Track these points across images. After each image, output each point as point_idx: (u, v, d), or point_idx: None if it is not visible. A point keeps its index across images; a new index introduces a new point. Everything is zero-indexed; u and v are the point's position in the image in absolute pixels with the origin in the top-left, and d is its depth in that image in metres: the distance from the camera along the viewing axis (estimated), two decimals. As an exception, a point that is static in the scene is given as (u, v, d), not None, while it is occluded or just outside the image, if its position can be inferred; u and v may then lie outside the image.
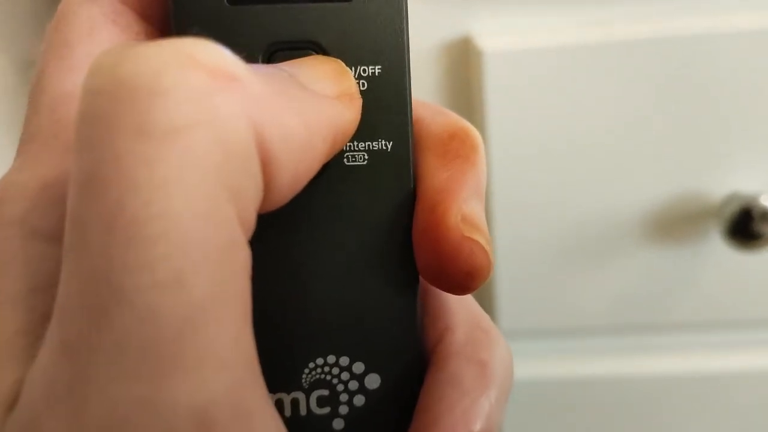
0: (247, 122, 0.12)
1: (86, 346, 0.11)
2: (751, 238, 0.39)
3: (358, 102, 0.16)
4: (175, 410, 0.11)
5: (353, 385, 0.18)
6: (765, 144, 0.40)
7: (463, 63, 0.41)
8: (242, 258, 0.12)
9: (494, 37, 0.39)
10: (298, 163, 0.13)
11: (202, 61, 0.12)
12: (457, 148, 0.17)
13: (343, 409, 0.18)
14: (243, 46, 0.16)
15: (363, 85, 0.17)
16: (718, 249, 0.41)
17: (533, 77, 0.39)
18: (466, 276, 0.16)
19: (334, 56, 0.17)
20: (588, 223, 0.42)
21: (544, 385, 0.45)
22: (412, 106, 0.18)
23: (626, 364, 0.44)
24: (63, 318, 0.12)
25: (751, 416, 0.44)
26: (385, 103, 0.17)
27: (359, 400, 0.18)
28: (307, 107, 0.14)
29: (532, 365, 0.45)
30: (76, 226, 0.12)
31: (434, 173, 0.17)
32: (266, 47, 0.17)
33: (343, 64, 0.16)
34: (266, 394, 0.13)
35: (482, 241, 0.16)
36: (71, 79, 0.16)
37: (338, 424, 0.18)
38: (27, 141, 0.16)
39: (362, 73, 0.17)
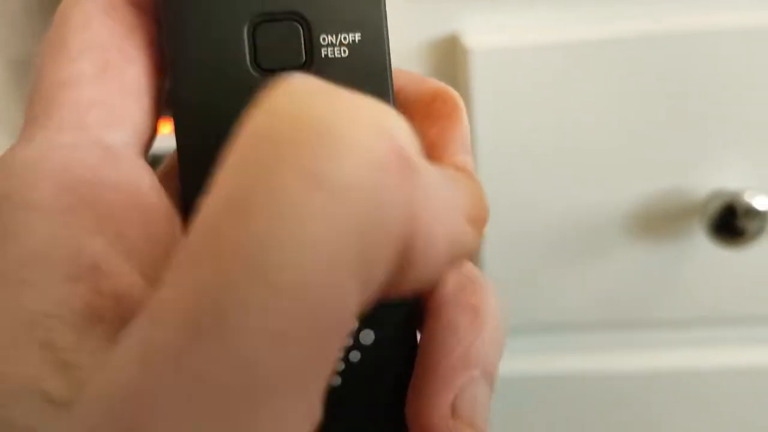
0: (405, 214, 0.12)
1: (170, 353, 0.10)
2: (735, 235, 0.40)
3: (482, 233, 0.15)
4: None
5: (347, 340, 0.18)
6: (749, 141, 0.40)
7: (450, 61, 0.41)
8: (344, 340, 0.12)
9: (481, 35, 0.39)
10: (423, 275, 0.13)
11: (390, 133, 0.12)
12: (440, 108, 0.18)
13: (339, 365, 0.18)
14: (230, 16, 0.17)
15: (344, 52, 0.17)
16: (703, 246, 0.42)
17: (520, 75, 0.39)
18: None
19: (315, 24, 0.17)
20: (573, 220, 0.42)
21: (529, 381, 0.45)
22: (393, 74, 0.18)
23: (611, 360, 0.45)
24: (153, 318, 0.11)
25: (736, 412, 0.44)
26: (366, 70, 0.17)
27: (354, 356, 0.18)
28: (449, 217, 0.13)
29: (517, 361, 0.45)
30: (203, 239, 0.11)
31: (422, 133, 0.17)
32: (251, 18, 0.17)
33: (482, 189, 0.16)
34: None
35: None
36: (67, 70, 0.17)
37: (335, 380, 0.18)
38: (24, 126, 0.17)
39: (343, 40, 0.17)
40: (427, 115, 0.18)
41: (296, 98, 0.12)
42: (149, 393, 0.10)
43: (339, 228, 0.11)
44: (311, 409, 0.11)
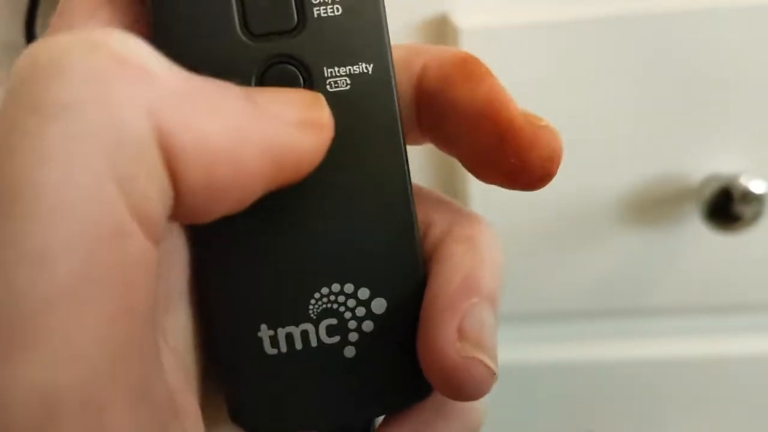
0: (147, 112, 0.12)
1: None
2: (731, 220, 0.39)
3: (325, 134, 0.16)
4: (16, 391, 0.10)
5: (360, 311, 0.18)
6: (744, 124, 0.39)
7: (440, 40, 0.40)
8: (130, 248, 0.12)
9: (471, 15, 0.39)
10: (216, 172, 0.13)
11: (112, 48, 0.12)
12: (477, 69, 0.18)
13: (353, 336, 0.18)
14: None
15: (337, 10, 0.17)
16: (698, 231, 0.41)
17: (510, 55, 0.39)
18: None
19: None
20: (565, 205, 0.41)
21: (524, 370, 0.44)
22: (409, 48, 0.18)
23: (606, 348, 0.44)
24: None
25: (733, 400, 0.44)
26: (362, 26, 0.17)
27: (368, 326, 0.18)
28: (240, 120, 0.14)
29: (511, 350, 0.45)
30: None
31: (471, 93, 0.17)
32: None
33: (320, 97, 0.16)
34: (135, 392, 0.12)
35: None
36: None
37: (349, 351, 0.18)
38: None
39: None
40: (468, 77, 0.18)
41: (29, 50, 0.12)
42: None
43: (69, 141, 0.11)
44: (110, 327, 0.11)
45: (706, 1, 0.38)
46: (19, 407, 0.10)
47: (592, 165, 0.41)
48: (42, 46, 0.12)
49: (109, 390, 0.11)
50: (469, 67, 0.18)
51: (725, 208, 0.39)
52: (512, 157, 0.17)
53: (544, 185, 0.18)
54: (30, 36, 0.48)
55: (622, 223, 0.41)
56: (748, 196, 0.38)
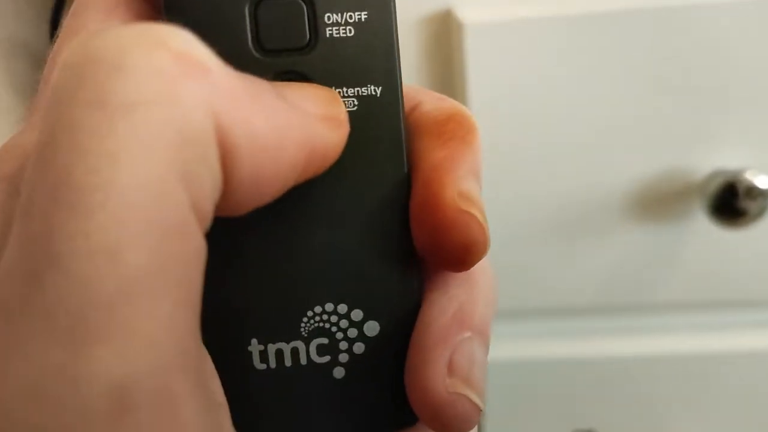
0: (207, 109, 0.12)
1: (18, 309, 0.11)
2: (736, 215, 0.39)
3: (344, 130, 0.16)
4: (92, 382, 0.11)
5: (352, 332, 0.17)
6: (749, 119, 0.39)
7: (444, 35, 0.40)
8: (191, 244, 0.12)
9: (475, 10, 0.39)
10: (262, 167, 0.13)
11: (171, 46, 0.12)
12: (454, 129, 0.18)
13: (344, 357, 0.17)
14: None
15: (349, 32, 0.17)
16: (703, 226, 0.41)
17: (514, 50, 0.39)
18: (463, 249, 0.16)
19: (320, 2, 0.17)
20: (570, 200, 0.41)
21: (528, 365, 0.44)
22: (411, 90, 0.18)
23: (610, 344, 0.44)
24: (3, 277, 0.12)
25: (738, 396, 0.44)
26: (373, 50, 0.17)
27: (359, 348, 0.18)
28: (281, 116, 0.14)
29: (515, 346, 0.45)
30: (27, 190, 0.12)
31: (431, 152, 0.17)
32: None
33: (336, 94, 0.16)
34: (199, 383, 0.13)
35: (478, 215, 0.16)
36: None
37: (339, 372, 0.18)
38: (33, 111, 0.17)
39: (348, 19, 0.17)
40: (439, 135, 0.18)
41: (81, 45, 0.12)
42: (6, 342, 0.11)
43: (137, 139, 0.11)
44: (174, 318, 0.12)
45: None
46: (96, 398, 0.11)
47: (597, 160, 0.40)
48: (99, 41, 0.12)
49: (177, 378, 0.12)
50: (447, 126, 0.18)
51: (730, 203, 0.39)
52: (428, 232, 0.17)
53: (463, 269, 0.17)
54: (55, 35, 0.49)
55: (627, 218, 0.41)
56: (753, 192, 0.38)
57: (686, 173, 0.40)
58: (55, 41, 0.18)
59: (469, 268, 0.17)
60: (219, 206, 0.13)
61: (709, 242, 0.41)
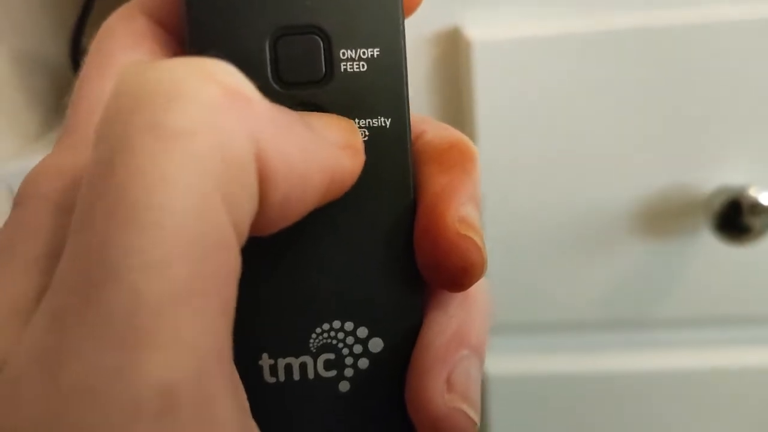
0: (249, 137, 0.13)
1: (73, 315, 0.12)
2: (740, 231, 0.39)
3: (361, 158, 0.17)
4: (141, 383, 0.12)
5: (357, 348, 0.18)
6: (753, 135, 0.40)
7: (453, 53, 0.41)
8: (230, 259, 0.13)
9: (483, 28, 0.39)
10: (293, 189, 0.15)
11: (219, 79, 0.14)
12: (455, 158, 0.19)
13: (349, 372, 0.18)
14: (252, 31, 0.17)
15: (362, 67, 0.18)
16: (708, 243, 0.41)
17: (522, 68, 0.39)
18: (461, 271, 0.17)
19: (336, 39, 0.18)
20: (575, 216, 0.42)
21: (532, 380, 0.45)
22: (417, 119, 0.19)
23: (615, 359, 0.44)
24: (58, 288, 0.13)
25: (741, 412, 0.44)
26: (384, 84, 0.18)
27: (363, 363, 0.18)
28: (309, 144, 0.15)
29: (520, 360, 0.45)
30: (83, 206, 0.13)
31: (434, 179, 0.18)
32: (273, 31, 0.18)
33: (354, 124, 0.18)
34: (234, 384, 0.14)
35: (477, 240, 0.17)
36: (109, 85, 0.18)
37: (344, 386, 0.18)
38: (65, 134, 0.18)
39: (362, 55, 0.18)
40: (440, 162, 0.19)
41: (134, 75, 0.13)
42: (61, 346, 0.12)
43: (188, 162, 0.13)
44: (215, 326, 0.13)
45: (716, 14, 0.38)
46: (146, 398, 0.12)
47: (602, 176, 0.41)
48: (154, 72, 0.13)
49: (217, 383, 0.13)
50: (449, 154, 0.19)
51: (734, 219, 0.39)
52: (430, 254, 0.18)
53: (461, 290, 0.18)
54: (75, 54, 0.50)
55: (632, 234, 0.42)
56: (757, 208, 0.39)
57: (691, 190, 0.41)
58: (78, 62, 0.19)
59: (467, 289, 0.18)
60: (252, 226, 0.14)
61: (713, 258, 0.42)
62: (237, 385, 0.14)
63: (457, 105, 0.41)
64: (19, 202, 0.16)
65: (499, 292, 0.44)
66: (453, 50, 0.41)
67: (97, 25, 0.19)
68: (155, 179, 0.12)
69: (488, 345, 0.19)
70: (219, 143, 0.13)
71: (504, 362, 0.45)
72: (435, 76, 0.41)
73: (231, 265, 0.13)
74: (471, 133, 0.40)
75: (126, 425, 0.11)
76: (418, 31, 0.40)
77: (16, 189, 0.17)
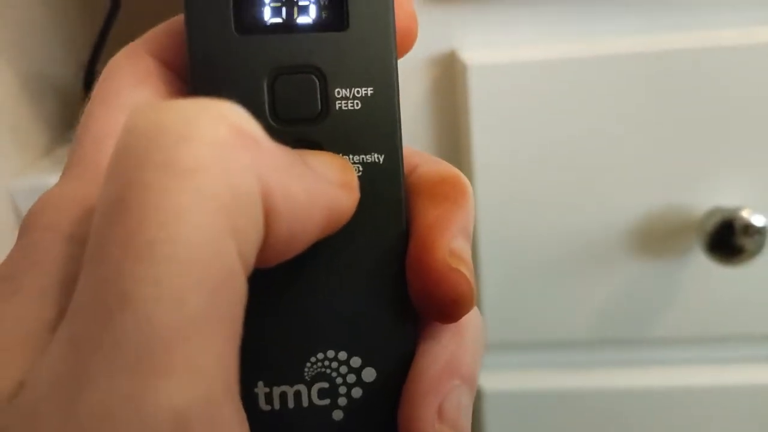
0: (257, 176, 0.14)
1: (89, 343, 0.13)
2: (733, 252, 0.40)
3: (357, 195, 0.18)
4: (156, 409, 0.12)
5: (351, 378, 0.19)
6: (747, 157, 0.40)
7: (449, 76, 0.41)
8: (238, 290, 0.14)
9: (478, 52, 0.40)
10: (295, 224, 0.15)
11: (229, 119, 0.14)
12: (447, 191, 0.19)
13: (342, 401, 0.19)
14: (251, 70, 0.18)
15: (357, 105, 0.18)
16: (701, 263, 0.41)
17: (518, 91, 0.40)
18: (451, 303, 0.18)
19: (331, 78, 0.18)
20: (570, 236, 0.42)
21: (527, 396, 0.45)
22: (411, 153, 0.20)
23: (608, 377, 0.45)
24: (74, 316, 0.13)
25: (733, 430, 0.44)
26: (377, 121, 0.19)
27: (357, 393, 0.19)
28: (310, 182, 0.16)
29: (515, 377, 0.45)
30: (98, 239, 0.13)
31: (425, 212, 0.19)
32: (271, 71, 0.18)
33: (348, 162, 0.18)
34: (240, 410, 0.14)
35: (467, 273, 0.18)
36: (116, 120, 0.18)
37: (337, 415, 0.19)
38: (70, 166, 0.19)
39: (356, 94, 0.19)
40: (432, 196, 0.19)
41: (147, 114, 0.14)
42: (77, 373, 0.12)
43: (199, 199, 0.13)
44: (223, 353, 0.13)
45: (711, 39, 0.39)
46: (160, 424, 0.12)
47: (597, 197, 0.41)
48: (167, 112, 0.14)
49: (226, 409, 0.13)
50: (441, 187, 0.19)
51: (727, 240, 0.40)
52: (422, 286, 0.18)
53: (451, 321, 0.19)
54: (89, 81, 0.51)
55: (626, 254, 0.42)
56: (750, 229, 0.39)
57: (684, 211, 0.41)
58: (91, 89, 0.19)
59: (457, 320, 0.18)
60: (256, 258, 0.15)
61: (706, 278, 0.42)
62: (243, 412, 0.15)
63: (453, 128, 0.42)
64: (25, 231, 0.17)
65: (495, 310, 0.44)
66: (449, 73, 0.41)
67: (112, 53, 0.20)
68: (169, 214, 0.13)
69: (479, 374, 0.19)
70: (229, 181, 0.14)
71: (499, 379, 0.45)
72: (431, 99, 0.42)
73: (239, 295, 0.14)
74: (467, 156, 0.41)
75: None
76: (415, 55, 0.41)
77: (21, 205, 0.17)
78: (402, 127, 0.19)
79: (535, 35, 0.40)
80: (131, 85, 0.19)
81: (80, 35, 0.55)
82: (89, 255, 0.13)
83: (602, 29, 0.40)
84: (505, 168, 0.41)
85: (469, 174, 0.41)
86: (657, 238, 0.42)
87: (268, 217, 0.14)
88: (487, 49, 0.40)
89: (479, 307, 0.43)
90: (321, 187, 0.16)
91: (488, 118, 0.40)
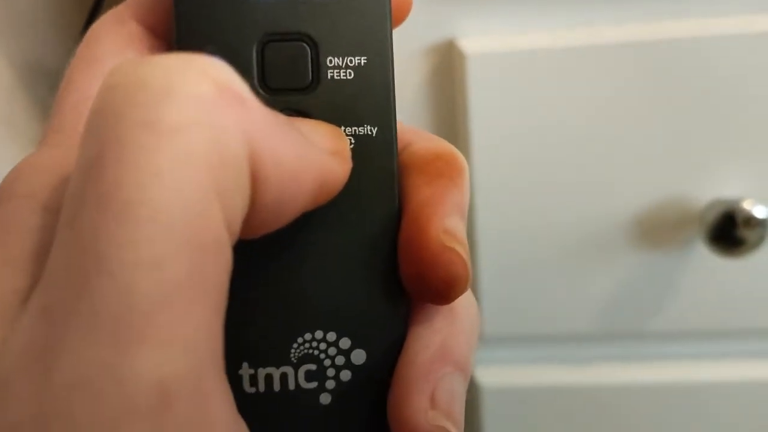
0: (243, 136, 0.13)
1: (64, 311, 0.12)
2: (734, 244, 0.39)
3: (349, 164, 0.17)
4: (136, 379, 0.12)
5: (340, 360, 0.18)
6: (747, 148, 0.40)
7: (447, 65, 0.41)
8: (222, 256, 0.13)
9: (477, 40, 0.40)
10: (284, 191, 0.14)
11: (213, 76, 0.13)
12: (442, 168, 0.18)
13: (330, 384, 0.18)
14: (239, 35, 0.17)
15: (349, 75, 0.18)
16: (702, 256, 0.41)
17: (516, 80, 0.40)
18: (445, 284, 0.17)
19: (323, 46, 0.18)
20: (570, 229, 0.42)
21: (526, 391, 0.45)
22: (405, 129, 0.19)
23: (609, 371, 0.44)
24: (47, 283, 0.13)
25: (736, 425, 0.44)
26: (370, 92, 0.18)
27: (345, 375, 0.18)
28: (301, 147, 0.15)
29: (514, 372, 0.45)
30: (73, 201, 0.13)
31: (419, 189, 0.18)
32: (261, 37, 0.18)
33: (341, 130, 0.18)
34: (225, 383, 0.13)
35: (461, 252, 0.17)
36: (96, 85, 0.18)
37: (325, 398, 0.18)
38: (49, 133, 0.18)
39: (349, 63, 0.18)
40: (426, 172, 0.18)
41: (128, 69, 0.13)
42: (51, 342, 0.12)
43: (182, 158, 0.12)
44: (207, 322, 0.13)
45: (711, 27, 0.38)
46: (139, 395, 0.12)
47: (598, 189, 0.41)
48: (147, 67, 0.13)
49: (211, 379, 0.13)
50: (436, 164, 0.19)
51: (729, 232, 0.39)
52: (414, 266, 0.17)
53: (445, 303, 0.18)
54: None
55: (626, 246, 0.42)
56: (752, 221, 0.39)
57: (685, 202, 0.41)
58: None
59: (451, 302, 0.18)
60: (242, 227, 0.14)
61: (708, 271, 0.41)
62: (228, 386, 0.14)
63: (451, 117, 0.42)
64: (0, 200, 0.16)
65: (495, 304, 0.44)
66: (447, 62, 0.41)
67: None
68: (149, 174, 0.12)
69: (474, 360, 0.18)
70: (213, 140, 0.13)
71: (498, 373, 0.45)
72: (429, 88, 0.42)
73: (224, 263, 0.13)
74: (465, 144, 0.41)
75: (120, 421, 0.11)
76: (413, 44, 0.41)
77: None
78: (398, 107, 0.18)
79: (534, 24, 0.40)
80: (114, 50, 0.18)
81: (74, 24, 0.54)
82: (65, 218, 0.13)
83: (602, 18, 0.39)
84: (503, 157, 0.41)
85: (467, 162, 0.41)
86: (657, 229, 0.41)
87: (255, 181, 0.14)
88: (485, 37, 0.40)
89: (477, 301, 0.43)
90: (312, 153, 0.15)
91: (486, 106, 0.40)
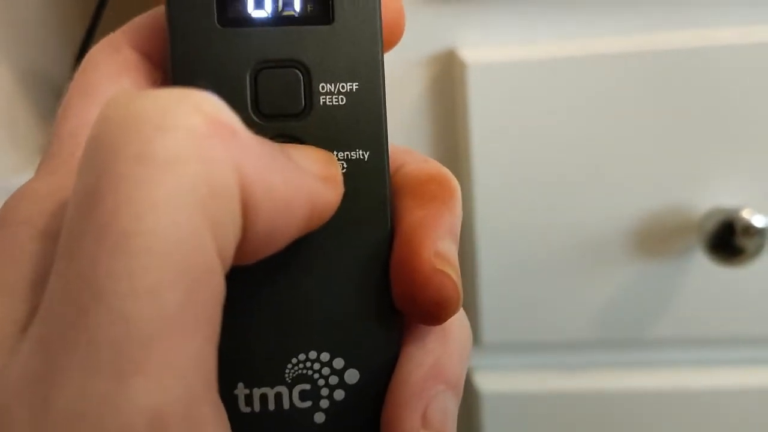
0: (234, 168, 0.14)
1: (62, 341, 0.12)
2: (733, 253, 0.39)
3: (341, 189, 0.17)
4: (131, 408, 0.12)
5: (333, 379, 0.18)
6: (746, 157, 0.40)
7: (447, 75, 0.41)
8: (215, 285, 0.13)
9: (478, 50, 0.40)
10: (276, 219, 0.15)
11: (204, 110, 0.14)
12: (434, 191, 0.19)
13: (324, 403, 0.18)
14: (233, 63, 0.18)
15: (342, 100, 0.18)
16: (701, 264, 0.41)
17: (517, 90, 0.40)
18: (436, 306, 0.17)
19: (315, 72, 0.18)
20: (569, 236, 0.42)
21: (526, 398, 0.45)
22: (397, 150, 0.20)
23: (608, 378, 0.44)
24: (45, 314, 0.13)
25: (733, 432, 0.44)
26: (362, 117, 0.18)
27: (339, 395, 0.18)
28: (292, 175, 0.15)
29: (513, 378, 0.45)
30: (70, 233, 0.13)
31: (411, 211, 0.18)
32: (254, 65, 0.18)
33: (333, 156, 0.18)
34: (220, 408, 0.14)
35: (452, 275, 0.18)
36: (94, 113, 0.18)
37: (319, 417, 0.18)
38: (46, 159, 0.18)
39: (341, 89, 0.18)
40: (419, 194, 0.19)
41: (121, 103, 0.14)
42: (49, 372, 0.12)
43: (175, 191, 0.13)
44: (201, 351, 0.13)
45: (710, 37, 0.38)
46: (135, 423, 0.12)
47: (596, 197, 0.41)
48: (142, 102, 0.14)
49: (205, 409, 0.13)
50: (428, 187, 0.19)
51: (728, 241, 0.39)
52: (406, 288, 0.18)
53: (436, 324, 0.18)
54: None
55: (626, 254, 0.42)
56: (750, 230, 0.39)
57: (684, 211, 0.41)
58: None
59: (442, 323, 0.18)
60: (234, 254, 0.14)
61: (706, 279, 0.42)
62: (223, 411, 0.14)
63: (452, 126, 0.42)
64: None
65: (494, 311, 0.44)
66: (448, 72, 0.41)
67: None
68: (144, 206, 0.12)
69: (464, 380, 0.19)
70: (205, 172, 0.13)
71: (497, 380, 0.45)
72: (430, 97, 0.42)
73: (217, 291, 0.13)
74: (466, 154, 0.41)
75: None
76: (413, 53, 0.41)
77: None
78: (396, 125, 0.19)
79: (535, 34, 0.40)
80: (110, 77, 0.18)
81: (76, 31, 0.55)
82: (61, 249, 0.13)
83: (602, 28, 0.39)
84: (503, 167, 0.41)
85: (467, 173, 0.41)
86: (657, 238, 0.41)
87: (247, 210, 0.14)
88: (486, 47, 0.40)
89: (477, 308, 0.43)
90: (303, 180, 0.16)
91: (487, 116, 0.40)
